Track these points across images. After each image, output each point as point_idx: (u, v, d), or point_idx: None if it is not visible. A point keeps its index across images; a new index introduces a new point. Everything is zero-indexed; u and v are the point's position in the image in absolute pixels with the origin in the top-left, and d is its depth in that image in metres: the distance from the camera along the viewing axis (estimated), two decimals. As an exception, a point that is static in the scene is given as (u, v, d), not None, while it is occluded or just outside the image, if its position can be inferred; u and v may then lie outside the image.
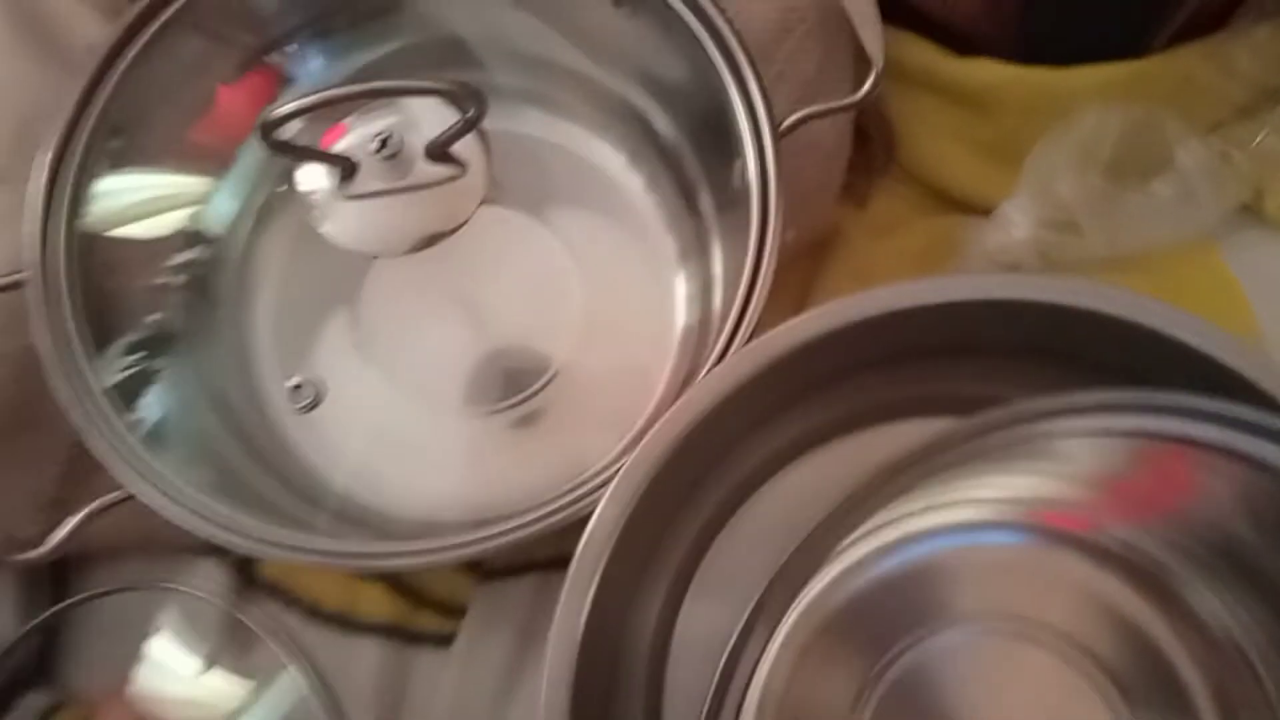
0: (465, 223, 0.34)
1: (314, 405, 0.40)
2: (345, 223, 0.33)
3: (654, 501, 0.30)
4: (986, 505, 0.31)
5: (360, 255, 0.39)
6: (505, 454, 0.41)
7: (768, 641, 0.31)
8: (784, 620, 0.31)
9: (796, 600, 0.31)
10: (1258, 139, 0.43)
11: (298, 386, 0.39)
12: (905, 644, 0.31)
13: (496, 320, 0.41)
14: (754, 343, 0.30)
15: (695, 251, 0.40)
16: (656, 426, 0.29)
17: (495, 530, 0.31)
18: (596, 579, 0.29)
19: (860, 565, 0.31)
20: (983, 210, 0.43)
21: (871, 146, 0.46)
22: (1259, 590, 0.28)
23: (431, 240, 0.33)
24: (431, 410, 0.40)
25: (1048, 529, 0.30)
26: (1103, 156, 0.42)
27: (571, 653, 0.28)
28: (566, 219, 0.41)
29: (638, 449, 0.29)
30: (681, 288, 0.40)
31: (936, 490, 0.31)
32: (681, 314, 0.40)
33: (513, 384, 0.41)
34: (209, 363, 0.39)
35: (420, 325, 0.41)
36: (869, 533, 0.32)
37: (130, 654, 0.37)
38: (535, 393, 0.40)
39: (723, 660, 0.25)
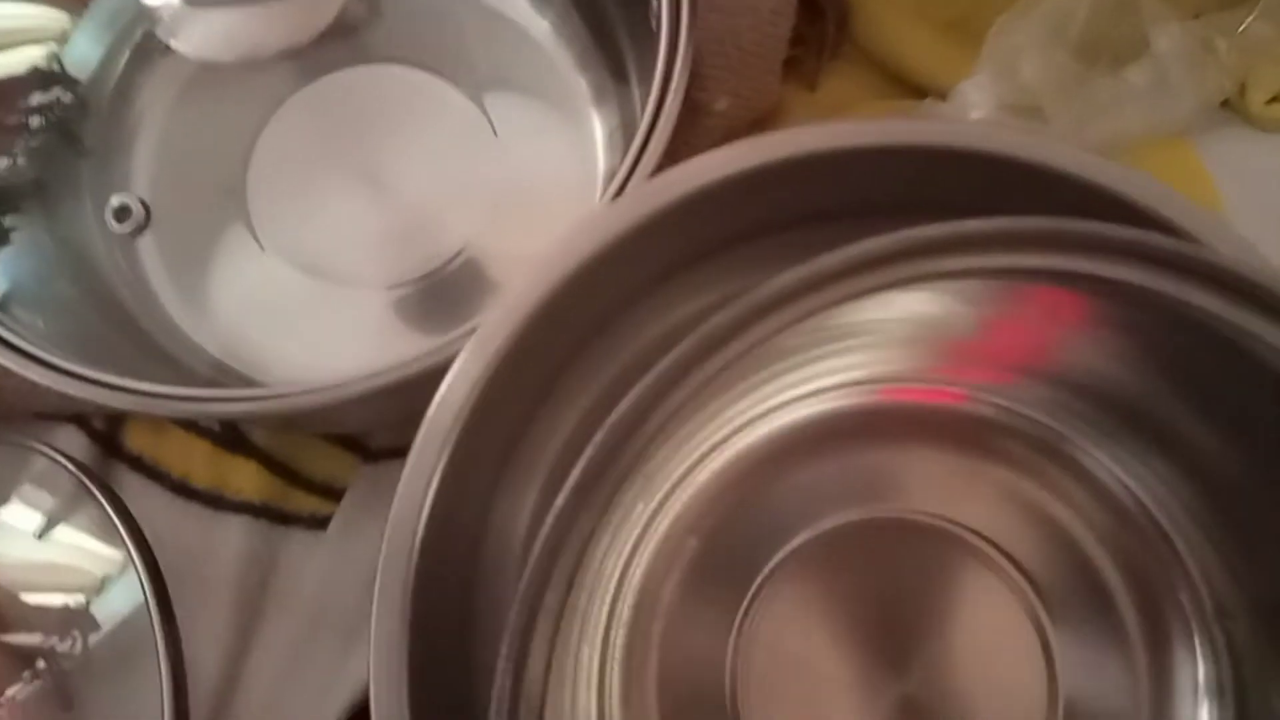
0: (321, 34, 0.30)
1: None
2: (196, 34, 0.30)
3: (519, 373, 0.26)
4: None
5: (246, 108, 0.36)
6: (409, 334, 0.38)
7: (643, 531, 0.29)
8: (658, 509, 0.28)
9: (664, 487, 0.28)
10: (1243, 24, 0.39)
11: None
12: (782, 546, 0.29)
13: (401, 190, 0.38)
14: (646, 183, 0.26)
15: (614, 96, 0.36)
16: (522, 280, 0.26)
17: (346, 381, 0.28)
18: (445, 455, 0.25)
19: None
20: (940, 95, 0.40)
21: (823, 23, 0.42)
22: (1164, 450, 0.25)
23: (289, 52, 0.30)
24: (328, 284, 0.37)
25: (915, 406, 0.27)
26: (1072, 35, 0.39)
27: (409, 540, 0.25)
28: (478, 78, 0.38)
29: (499, 306, 0.26)
30: (599, 133, 0.37)
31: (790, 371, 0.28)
32: (601, 164, 0.37)
33: (419, 259, 0.38)
34: (70, 220, 0.36)
35: (319, 195, 0.38)
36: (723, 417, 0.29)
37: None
38: (441, 269, 0.38)
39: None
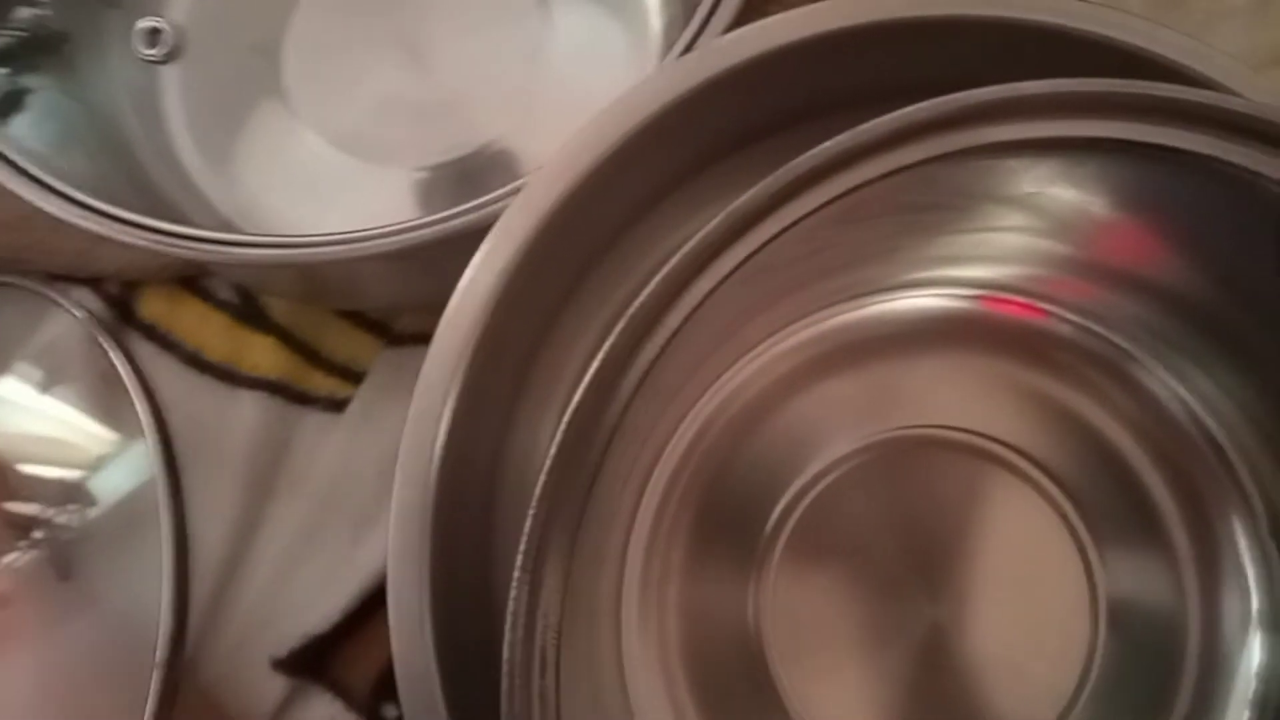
0: None
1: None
2: None
3: (550, 258, 0.24)
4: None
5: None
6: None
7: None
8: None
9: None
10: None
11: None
12: (830, 460, 0.27)
13: (441, 68, 0.36)
14: (718, 39, 0.24)
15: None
16: (562, 147, 0.24)
17: (372, 233, 0.26)
18: (471, 345, 0.24)
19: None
20: None
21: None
22: (1232, 362, 0.23)
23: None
24: (353, 159, 0.35)
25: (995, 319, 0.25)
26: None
27: (430, 432, 0.24)
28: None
29: (547, 166, 0.24)
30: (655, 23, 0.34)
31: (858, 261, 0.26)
32: (653, 62, 0.35)
33: (450, 142, 0.36)
34: (91, 71, 0.34)
35: (355, 64, 0.36)
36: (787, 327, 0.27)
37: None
38: (472, 155, 0.35)
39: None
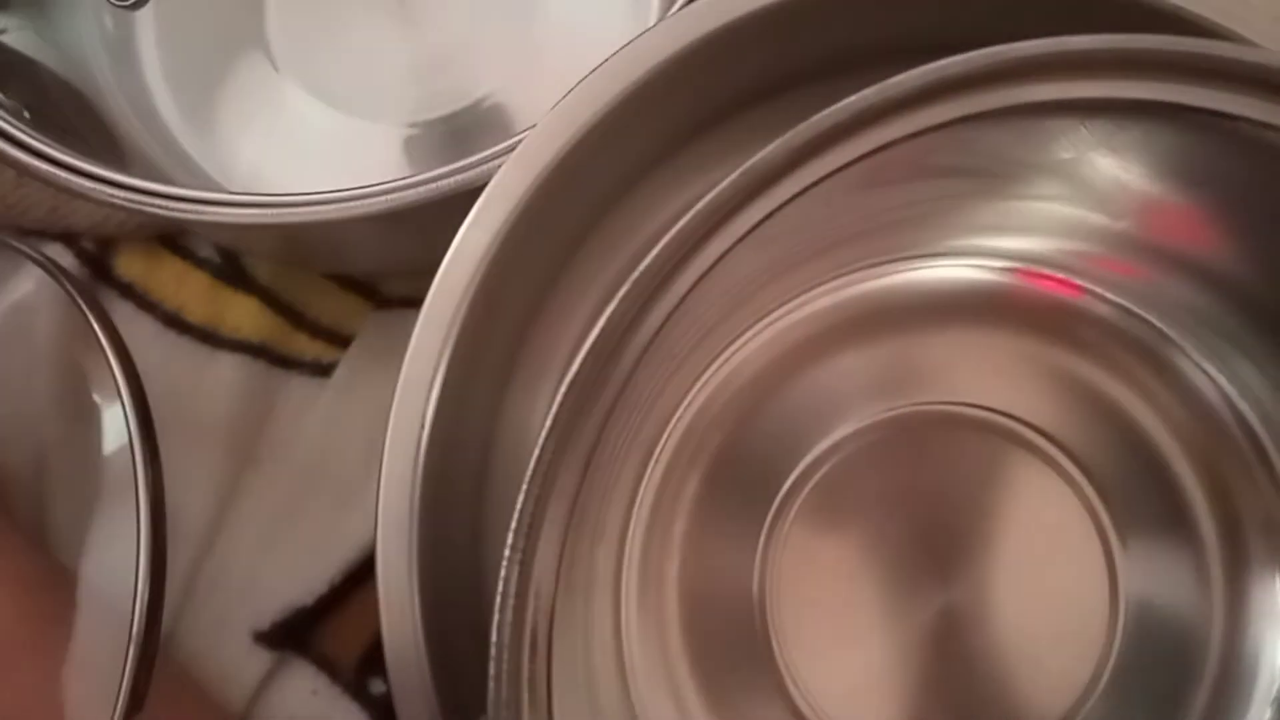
0: None
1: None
2: None
3: (543, 223, 0.23)
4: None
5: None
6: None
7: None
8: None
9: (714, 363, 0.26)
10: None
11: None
12: (844, 435, 0.26)
13: (433, 19, 0.34)
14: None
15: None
16: (560, 103, 0.23)
17: (358, 193, 0.25)
18: (463, 310, 0.23)
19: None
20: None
21: None
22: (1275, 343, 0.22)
23: None
24: (341, 114, 0.34)
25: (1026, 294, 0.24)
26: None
27: (422, 399, 0.23)
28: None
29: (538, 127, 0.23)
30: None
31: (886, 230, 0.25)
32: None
33: (442, 98, 0.34)
34: (69, 31, 0.33)
35: (344, 15, 0.35)
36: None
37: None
38: (465, 111, 0.34)
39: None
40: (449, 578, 0.24)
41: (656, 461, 0.27)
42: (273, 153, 0.34)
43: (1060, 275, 0.25)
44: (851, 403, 0.26)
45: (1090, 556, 0.26)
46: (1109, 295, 0.25)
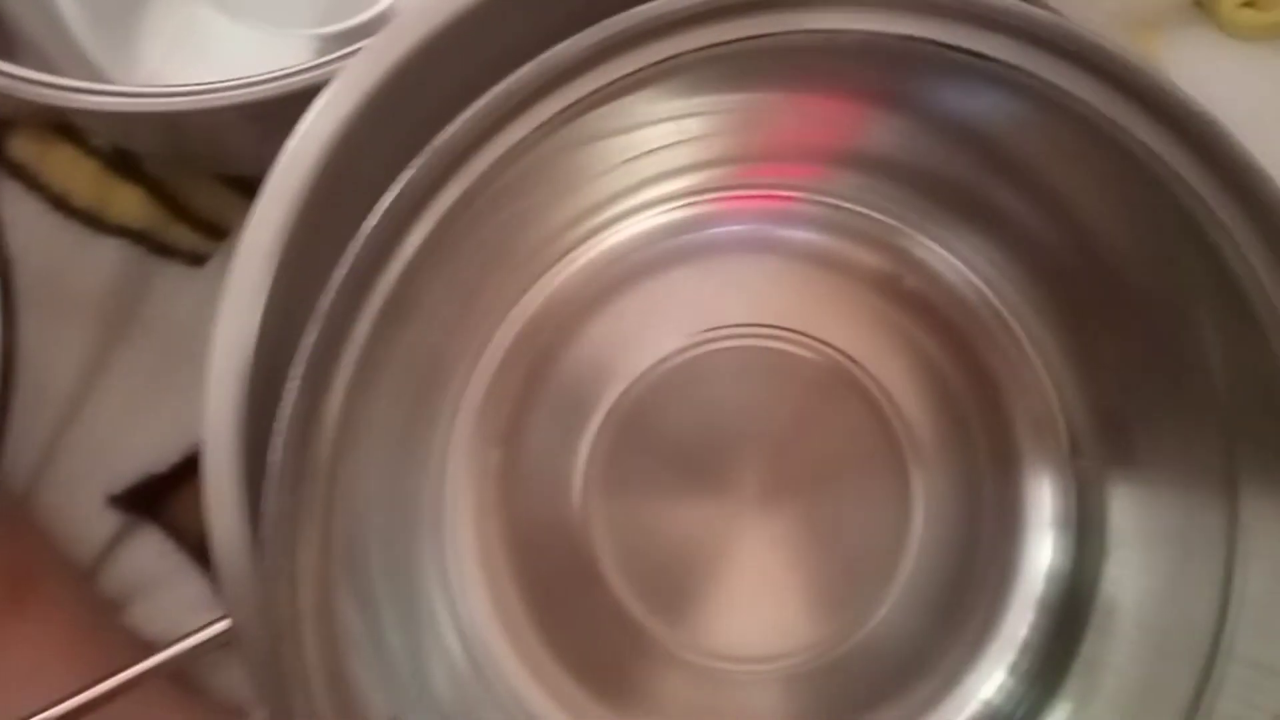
0: None
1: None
2: None
3: (388, 113, 0.24)
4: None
5: None
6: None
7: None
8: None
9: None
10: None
11: None
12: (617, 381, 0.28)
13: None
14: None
15: None
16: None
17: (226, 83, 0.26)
18: (295, 218, 0.24)
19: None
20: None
21: None
22: (997, 238, 0.24)
23: None
24: (248, 22, 0.35)
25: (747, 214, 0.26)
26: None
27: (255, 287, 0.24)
28: None
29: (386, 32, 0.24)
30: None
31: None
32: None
33: (348, 5, 0.35)
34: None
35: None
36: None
37: None
38: (376, 19, 0.35)
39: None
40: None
41: (490, 358, 0.28)
42: (178, 61, 0.36)
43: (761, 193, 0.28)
44: (643, 340, 0.28)
45: (884, 467, 0.28)
46: (815, 198, 0.27)
